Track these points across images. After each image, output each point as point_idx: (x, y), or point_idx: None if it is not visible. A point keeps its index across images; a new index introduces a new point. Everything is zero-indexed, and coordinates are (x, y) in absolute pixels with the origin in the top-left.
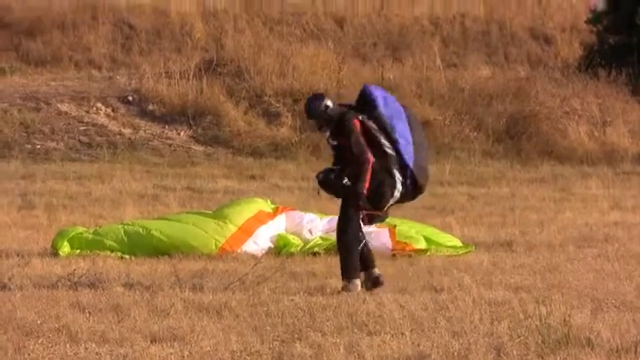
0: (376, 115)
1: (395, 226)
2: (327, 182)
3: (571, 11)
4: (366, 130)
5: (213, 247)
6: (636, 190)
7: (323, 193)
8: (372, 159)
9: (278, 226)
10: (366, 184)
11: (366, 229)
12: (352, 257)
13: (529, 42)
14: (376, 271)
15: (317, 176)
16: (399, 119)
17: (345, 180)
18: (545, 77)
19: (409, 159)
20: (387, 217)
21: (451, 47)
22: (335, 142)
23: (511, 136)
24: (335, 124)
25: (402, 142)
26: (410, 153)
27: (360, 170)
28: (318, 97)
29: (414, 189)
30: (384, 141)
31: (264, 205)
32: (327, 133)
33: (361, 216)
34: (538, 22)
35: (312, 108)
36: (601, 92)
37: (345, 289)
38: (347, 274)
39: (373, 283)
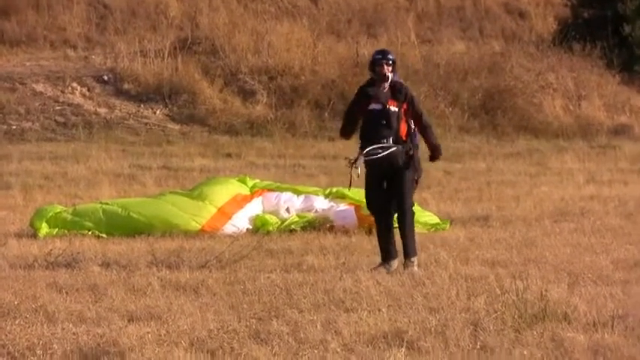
0: None
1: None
2: (394, 156)
3: None
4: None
5: (193, 226)
6: (611, 163)
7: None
8: None
9: (255, 208)
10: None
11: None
12: (414, 235)
13: (503, 16)
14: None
15: (369, 154)
16: None
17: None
18: (520, 52)
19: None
20: None
21: (425, 23)
22: (395, 109)
23: (486, 111)
24: (397, 90)
25: None
26: None
27: (425, 131)
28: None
29: None
30: None
31: (241, 188)
32: (379, 101)
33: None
34: None
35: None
36: (576, 66)
37: (410, 266)
38: (414, 252)
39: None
